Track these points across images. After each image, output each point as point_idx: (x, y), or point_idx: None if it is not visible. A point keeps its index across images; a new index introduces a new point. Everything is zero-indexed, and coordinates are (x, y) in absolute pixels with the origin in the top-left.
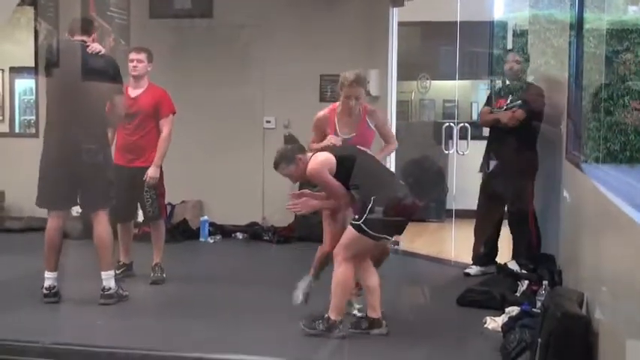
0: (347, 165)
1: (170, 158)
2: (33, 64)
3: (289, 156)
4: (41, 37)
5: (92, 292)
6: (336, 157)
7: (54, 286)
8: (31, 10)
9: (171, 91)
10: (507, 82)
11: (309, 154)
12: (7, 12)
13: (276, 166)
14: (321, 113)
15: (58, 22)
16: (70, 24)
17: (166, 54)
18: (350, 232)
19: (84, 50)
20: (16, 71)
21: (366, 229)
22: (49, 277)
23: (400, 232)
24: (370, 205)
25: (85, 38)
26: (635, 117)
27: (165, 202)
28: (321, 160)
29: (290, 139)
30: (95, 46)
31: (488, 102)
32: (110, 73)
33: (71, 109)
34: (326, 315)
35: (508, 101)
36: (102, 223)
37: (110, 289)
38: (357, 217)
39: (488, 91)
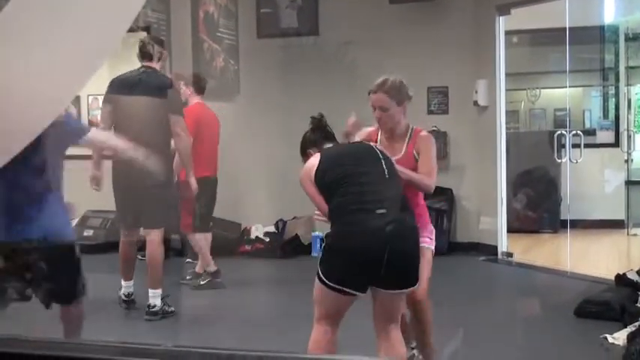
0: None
1: (281, 174)
2: None
3: (301, 148)
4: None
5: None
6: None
7: (131, 293)
8: (144, 34)
9: (281, 109)
10: None
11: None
12: (116, 40)
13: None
14: (365, 131)
15: (171, 45)
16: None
17: (275, 73)
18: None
19: (144, 76)
20: None
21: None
22: (126, 286)
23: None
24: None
25: (147, 64)
26: None
27: (277, 217)
28: (304, 168)
29: (317, 123)
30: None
31: None
32: (164, 93)
33: (133, 136)
34: None
35: None
36: (153, 243)
37: (155, 306)
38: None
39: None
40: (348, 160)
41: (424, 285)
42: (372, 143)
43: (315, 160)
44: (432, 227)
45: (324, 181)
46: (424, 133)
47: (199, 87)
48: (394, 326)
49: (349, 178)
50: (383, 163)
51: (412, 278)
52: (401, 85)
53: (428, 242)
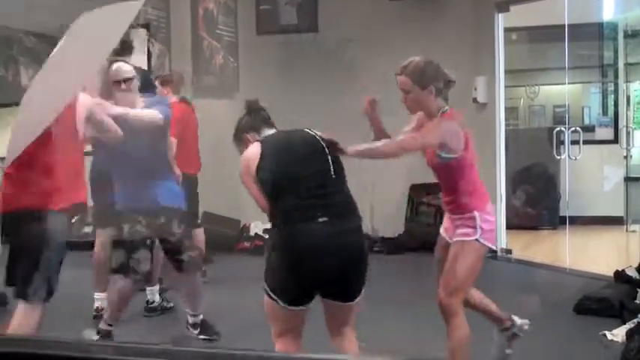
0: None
1: None
2: None
3: (235, 133)
4: (154, 57)
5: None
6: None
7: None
8: (144, 32)
9: (280, 106)
10: None
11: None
12: (114, 40)
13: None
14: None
15: (170, 42)
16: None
17: (274, 70)
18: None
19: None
20: None
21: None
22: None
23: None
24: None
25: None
26: None
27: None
28: (243, 160)
29: (252, 106)
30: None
31: None
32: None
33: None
34: None
35: None
36: None
37: (154, 302)
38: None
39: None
40: (292, 159)
41: (451, 283)
42: (317, 133)
43: (254, 150)
44: (482, 213)
45: (265, 179)
46: (448, 114)
47: (177, 86)
48: (348, 328)
49: (294, 181)
50: (329, 158)
51: (356, 290)
52: (426, 67)
53: (468, 234)
